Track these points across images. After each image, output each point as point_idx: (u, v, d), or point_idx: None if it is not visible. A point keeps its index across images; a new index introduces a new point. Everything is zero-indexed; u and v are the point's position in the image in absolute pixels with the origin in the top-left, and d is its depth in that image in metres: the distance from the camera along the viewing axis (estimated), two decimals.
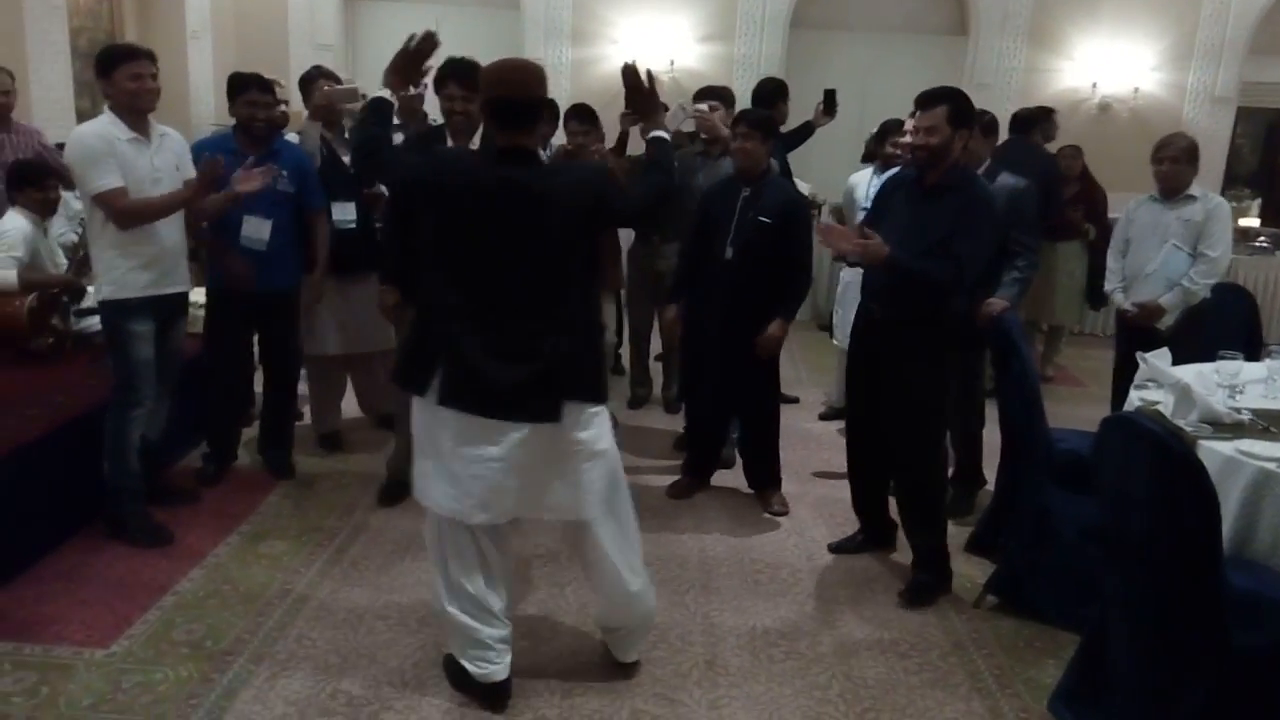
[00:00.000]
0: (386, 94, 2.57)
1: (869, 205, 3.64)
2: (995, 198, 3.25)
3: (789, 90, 5.10)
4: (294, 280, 3.85)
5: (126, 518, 3.29)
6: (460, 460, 2.35)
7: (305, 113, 4.09)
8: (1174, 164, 3.99)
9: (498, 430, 2.33)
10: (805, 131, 5.32)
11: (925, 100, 3.06)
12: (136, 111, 3.14)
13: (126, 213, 3.09)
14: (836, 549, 3.56)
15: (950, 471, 4.01)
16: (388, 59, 4.70)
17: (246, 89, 3.63)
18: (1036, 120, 5.78)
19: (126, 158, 3.10)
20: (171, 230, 3.28)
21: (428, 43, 2.58)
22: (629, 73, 2.60)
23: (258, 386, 4.05)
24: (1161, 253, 4.01)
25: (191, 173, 3.31)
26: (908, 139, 3.22)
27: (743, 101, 6.56)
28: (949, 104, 3.01)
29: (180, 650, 2.69)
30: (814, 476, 4.30)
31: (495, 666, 2.49)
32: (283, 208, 3.69)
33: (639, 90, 2.60)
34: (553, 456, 2.39)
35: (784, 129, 5.30)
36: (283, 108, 4.12)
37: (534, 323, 2.33)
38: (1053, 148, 5.94)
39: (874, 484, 3.49)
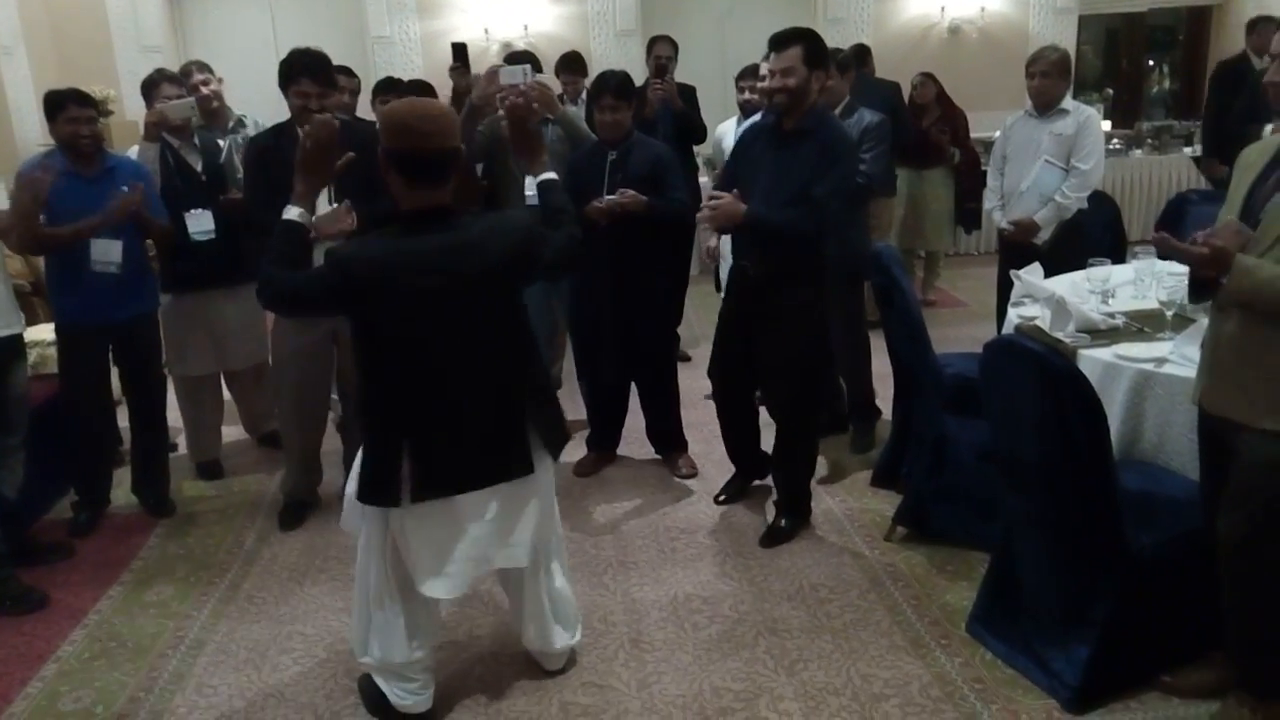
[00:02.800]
0: (294, 214, 2.22)
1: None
2: (850, 135, 3.25)
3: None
4: (152, 303, 3.65)
5: None
6: (446, 544, 2.25)
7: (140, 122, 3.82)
8: (1044, 78, 3.94)
9: (474, 501, 2.25)
10: (688, 119, 4.89)
11: (779, 42, 3.01)
12: None
13: None
14: (723, 498, 3.61)
15: (846, 409, 4.07)
16: (222, 57, 4.35)
17: (64, 106, 3.34)
18: (864, 56, 5.89)
19: None
20: None
21: (325, 130, 2.26)
22: (516, 110, 2.49)
23: (122, 422, 3.79)
24: (1035, 169, 3.99)
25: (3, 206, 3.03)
26: (765, 84, 3.17)
27: (597, 60, 6.45)
28: (803, 44, 2.98)
29: None
30: (718, 434, 4.26)
31: (419, 698, 2.38)
32: (129, 226, 3.42)
33: (524, 131, 2.49)
34: (519, 504, 2.32)
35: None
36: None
37: (490, 386, 2.22)
38: (907, 75, 6.02)
39: (746, 426, 3.53)
